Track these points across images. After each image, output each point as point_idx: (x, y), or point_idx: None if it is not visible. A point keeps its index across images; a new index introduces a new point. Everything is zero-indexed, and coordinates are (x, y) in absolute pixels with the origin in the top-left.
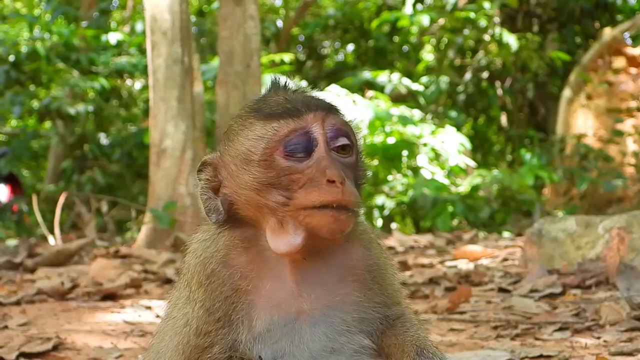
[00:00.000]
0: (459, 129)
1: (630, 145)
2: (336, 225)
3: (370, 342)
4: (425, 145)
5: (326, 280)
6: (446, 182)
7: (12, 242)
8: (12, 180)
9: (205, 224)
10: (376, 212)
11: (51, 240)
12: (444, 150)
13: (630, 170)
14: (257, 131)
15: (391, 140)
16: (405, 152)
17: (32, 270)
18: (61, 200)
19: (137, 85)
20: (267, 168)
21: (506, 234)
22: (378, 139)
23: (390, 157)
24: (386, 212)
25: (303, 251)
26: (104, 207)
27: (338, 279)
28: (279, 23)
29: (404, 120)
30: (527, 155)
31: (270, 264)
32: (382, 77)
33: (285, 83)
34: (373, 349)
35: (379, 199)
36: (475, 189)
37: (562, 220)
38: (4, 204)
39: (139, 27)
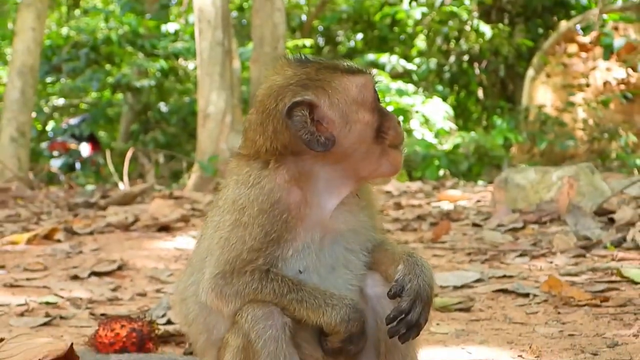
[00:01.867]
0: (444, 100)
1: (580, 113)
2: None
3: (367, 259)
4: (417, 112)
5: (352, 208)
6: (434, 141)
7: (90, 187)
8: (92, 140)
9: (247, 158)
10: None
11: (121, 186)
12: (432, 117)
13: (580, 134)
14: (356, 81)
15: (390, 109)
16: (401, 118)
17: (103, 208)
18: (129, 154)
19: (191, 65)
20: (373, 109)
21: (480, 182)
22: None
23: None
24: None
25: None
26: (162, 160)
27: (359, 210)
28: (304, 17)
29: (401, 93)
30: (499, 121)
31: (321, 192)
32: (384, 58)
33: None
34: (368, 263)
35: None
36: (456, 147)
37: (524, 171)
38: (85, 158)
39: (191, 18)
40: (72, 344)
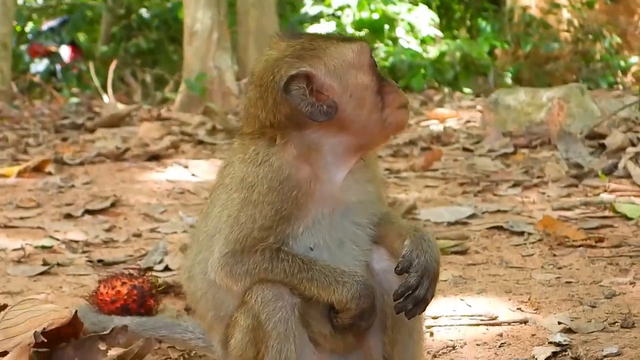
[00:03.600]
0: (429, 6)
1: (565, 14)
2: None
3: (373, 232)
4: (402, 20)
5: (359, 179)
6: (419, 49)
7: (74, 100)
8: (72, 44)
9: (251, 136)
10: None
11: (105, 98)
12: (417, 24)
13: (564, 35)
14: (352, 46)
15: (375, 16)
16: (386, 26)
17: (91, 130)
18: (112, 66)
19: None
20: (372, 72)
21: (466, 90)
22: (365, 14)
23: (375, 29)
24: None
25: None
26: (149, 79)
27: (365, 180)
28: None
29: (386, 1)
30: (483, 24)
31: (329, 165)
32: None
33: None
34: (374, 237)
35: None
36: (442, 55)
37: (514, 92)
38: (66, 64)
39: None
40: (76, 311)
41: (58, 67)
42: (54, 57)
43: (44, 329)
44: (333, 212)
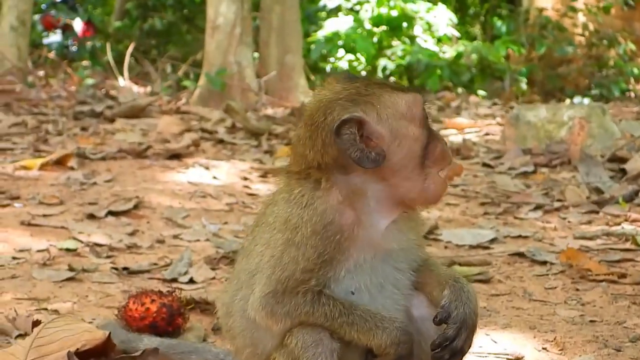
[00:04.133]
0: (448, 5)
1: (581, 18)
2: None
3: (414, 278)
4: (421, 19)
5: (401, 227)
6: (436, 49)
7: (89, 81)
8: (87, 21)
9: (297, 176)
10: (379, 73)
11: (121, 81)
12: (435, 23)
13: (579, 39)
14: (406, 97)
15: (394, 13)
16: (405, 24)
17: (111, 120)
18: (130, 49)
19: None
20: (422, 126)
21: (481, 92)
22: (384, 10)
23: (393, 27)
24: (387, 72)
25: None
26: (168, 69)
27: (408, 228)
28: None
29: None
30: (499, 23)
31: (373, 211)
32: None
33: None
34: (414, 283)
35: (382, 62)
36: (459, 56)
37: (536, 108)
38: (80, 39)
39: None
40: (110, 333)
41: (71, 41)
42: (67, 30)
43: (77, 349)
44: (374, 256)
